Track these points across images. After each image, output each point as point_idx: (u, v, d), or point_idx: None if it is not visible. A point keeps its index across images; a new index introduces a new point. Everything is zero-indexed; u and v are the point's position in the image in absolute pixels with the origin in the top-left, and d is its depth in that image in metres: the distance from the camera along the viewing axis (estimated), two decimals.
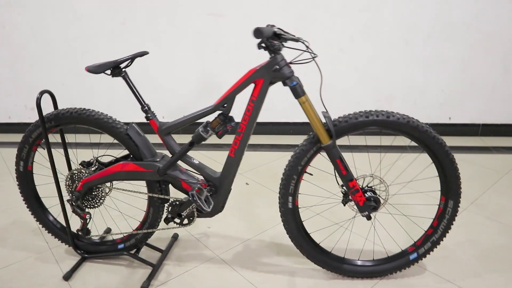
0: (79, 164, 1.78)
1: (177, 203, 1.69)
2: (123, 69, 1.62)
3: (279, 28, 1.48)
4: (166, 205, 1.75)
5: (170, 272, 1.81)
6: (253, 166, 2.85)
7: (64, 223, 1.85)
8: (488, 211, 2.20)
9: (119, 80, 3.22)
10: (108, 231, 2.09)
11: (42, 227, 1.92)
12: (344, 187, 1.60)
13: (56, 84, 3.49)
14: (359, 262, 1.72)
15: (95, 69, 1.59)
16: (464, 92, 3.18)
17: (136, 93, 1.64)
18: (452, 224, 1.62)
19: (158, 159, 1.67)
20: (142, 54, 1.60)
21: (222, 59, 3.29)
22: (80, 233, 1.83)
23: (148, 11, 3.22)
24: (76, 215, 1.79)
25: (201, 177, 1.70)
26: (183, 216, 1.71)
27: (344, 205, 1.67)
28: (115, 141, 1.68)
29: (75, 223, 1.89)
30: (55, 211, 1.96)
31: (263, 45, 1.46)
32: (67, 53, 3.39)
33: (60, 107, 1.70)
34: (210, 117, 1.61)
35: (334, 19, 3.06)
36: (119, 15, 3.23)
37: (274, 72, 1.50)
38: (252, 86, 1.54)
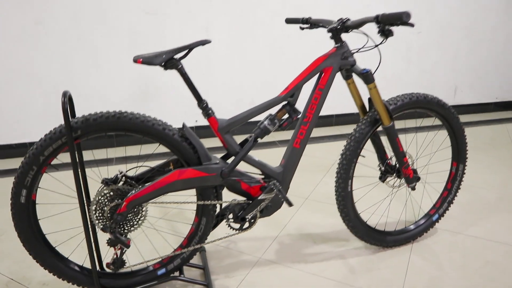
0: (102, 183, 1.44)
1: (245, 205, 1.54)
2: (179, 60, 1.38)
3: (348, 19, 1.52)
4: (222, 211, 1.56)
5: (225, 286, 1.62)
6: None
7: (76, 263, 1.46)
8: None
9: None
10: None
11: (51, 272, 1.46)
12: (396, 163, 1.75)
13: None
14: (397, 232, 1.89)
15: (151, 60, 1.32)
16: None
17: (194, 87, 1.42)
18: (461, 184, 1.95)
19: (217, 161, 1.48)
20: (203, 42, 1.39)
21: None
22: (111, 267, 1.47)
23: (70, 8, 2.71)
24: (111, 246, 1.43)
25: (258, 176, 1.59)
26: (247, 219, 1.56)
27: (383, 182, 1.82)
28: (111, 155, 1.42)
29: (79, 258, 1.50)
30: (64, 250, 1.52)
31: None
32: None
33: None
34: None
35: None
36: (32, 12, 2.63)
37: (342, 60, 1.53)
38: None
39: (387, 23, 1.31)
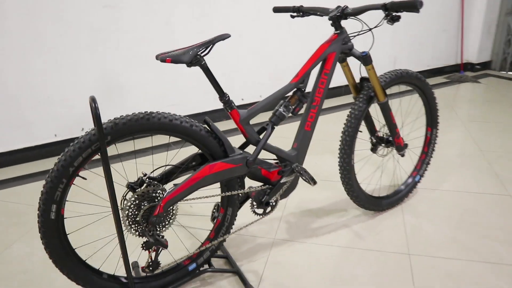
0: (127, 187, 1.41)
1: (267, 190, 1.60)
2: (203, 57, 1.38)
3: (346, 6, 1.62)
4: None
5: (253, 269, 1.69)
6: None
7: (106, 273, 1.43)
8: None
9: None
10: (135, 264, 1.70)
11: (83, 286, 1.41)
12: (384, 134, 1.92)
13: None
14: (389, 196, 2.09)
15: (179, 58, 1.30)
16: None
17: (217, 82, 1.43)
18: (435, 147, 2.19)
19: (240, 152, 1.52)
20: (224, 37, 1.40)
21: (124, 58, 2.88)
22: (148, 270, 1.46)
23: (23, 7, 2.47)
24: (146, 250, 1.42)
25: (273, 161, 1.66)
26: (271, 204, 1.63)
27: (374, 152, 1.99)
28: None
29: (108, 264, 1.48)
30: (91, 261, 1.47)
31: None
32: None
33: None
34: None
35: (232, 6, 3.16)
36: None
37: (343, 45, 1.64)
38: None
39: (397, 10, 1.43)
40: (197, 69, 3.16)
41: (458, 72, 4.66)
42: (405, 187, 2.14)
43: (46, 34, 2.62)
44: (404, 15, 4.06)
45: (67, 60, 2.73)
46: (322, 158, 2.70)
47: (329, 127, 3.22)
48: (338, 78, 2.63)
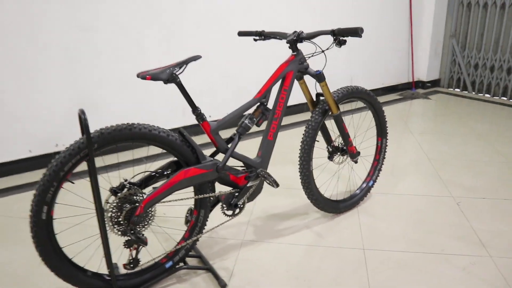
0: (110, 191, 1.57)
1: (235, 194, 1.79)
2: (177, 75, 1.57)
3: (302, 32, 1.86)
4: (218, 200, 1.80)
5: (225, 267, 1.87)
6: None
7: (90, 270, 1.57)
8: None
9: None
10: (115, 265, 1.83)
11: (71, 283, 1.54)
12: (339, 144, 2.16)
13: None
14: (346, 200, 2.32)
15: (157, 76, 1.49)
16: None
17: (189, 97, 1.63)
18: (385, 154, 2.46)
19: (211, 159, 1.71)
20: (195, 58, 1.60)
21: (97, 77, 3.03)
22: (129, 267, 1.61)
23: None
24: (128, 247, 1.57)
25: (240, 168, 1.85)
26: (239, 206, 1.82)
27: (331, 160, 2.23)
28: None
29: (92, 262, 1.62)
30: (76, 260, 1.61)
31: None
32: None
33: None
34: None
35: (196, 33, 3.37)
36: None
37: (300, 65, 1.88)
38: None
39: (343, 35, 1.69)
40: (165, 89, 3.35)
41: (410, 89, 5.06)
42: (360, 191, 2.38)
43: (22, 54, 2.74)
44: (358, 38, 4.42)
45: (42, 79, 2.85)
46: (285, 169, 2.92)
47: (292, 141, 3.46)
48: (299, 96, 2.85)
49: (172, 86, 3.35)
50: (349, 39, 4.36)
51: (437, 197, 2.47)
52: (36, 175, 2.89)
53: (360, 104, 4.23)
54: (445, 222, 2.21)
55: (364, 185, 2.41)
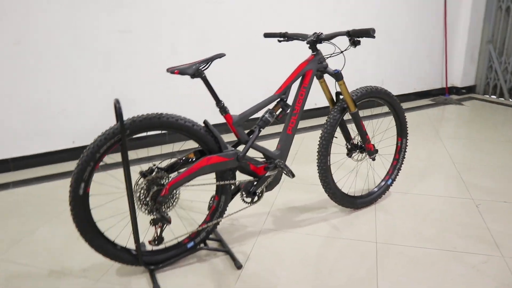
0: (139, 174, 1.75)
1: (254, 182, 1.93)
2: (203, 70, 1.74)
3: (321, 33, 1.99)
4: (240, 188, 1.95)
5: (242, 251, 2.00)
6: None
7: (119, 244, 1.75)
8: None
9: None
10: (141, 244, 2.01)
11: (102, 254, 1.73)
12: (358, 142, 2.25)
13: None
14: (363, 196, 2.40)
15: (185, 71, 1.66)
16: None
17: (214, 91, 1.78)
18: (405, 154, 2.51)
19: (232, 149, 1.86)
20: (220, 56, 1.76)
21: (133, 76, 3.27)
22: (153, 243, 1.77)
23: (47, 30, 2.88)
24: (153, 225, 1.74)
25: (261, 159, 1.99)
26: (257, 194, 1.95)
27: (350, 157, 2.32)
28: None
29: (121, 238, 1.80)
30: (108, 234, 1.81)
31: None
32: None
33: None
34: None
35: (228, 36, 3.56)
36: (10, 34, 2.77)
37: (318, 64, 1.99)
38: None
39: (357, 36, 1.79)
40: (194, 89, 3.54)
41: (443, 95, 5.02)
42: (378, 189, 2.45)
43: (66, 55, 3.02)
44: (389, 41, 4.45)
45: (84, 78, 3.12)
46: (308, 167, 3.02)
47: (316, 142, 3.54)
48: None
49: (202, 88, 3.54)
50: (380, 43, 4.40)
51: (457, 198, 2.49)
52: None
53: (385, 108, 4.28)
54: (461, 222, 2.24)
55: (383, 183, 2.47)
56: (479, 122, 4.05)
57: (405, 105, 4.72)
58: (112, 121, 3.30)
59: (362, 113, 4.43)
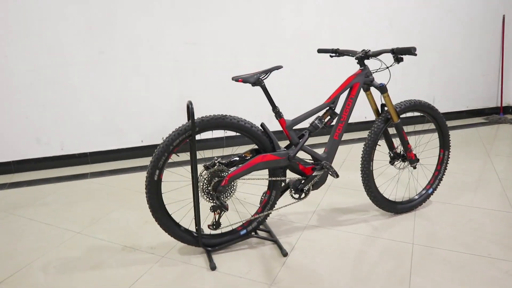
0: (203, 166, 2.04)
1: (302, 180, 2.17)
2: (263, 80, 2.02)
3: (369, 50, 2.21)
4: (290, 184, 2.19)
5: (288, 242, 2.24)
6: None
7: (183, 226, 2.06)
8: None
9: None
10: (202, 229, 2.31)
11: (168, 233, 2.04)
12: (401, 151, 2.42)
13: (20, 116, 3.20)
14: (404, 202, 2.55)
15: (248, 80, 1.95)
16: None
17: (271, 98, 2.06)
18: (447, 165, 2.63)
19: (284, 149, 2.11)
20: (278, 67, 2.04)
21: (198, 83, 3.65)
22: (212, 228, 2.06)
23: (127, 40, 3.34)
24: (213, 211, 2.03)
25: (309, 160, 2.22)
26: (305, 191, 2.19)
27: (392, 165, 2.49)
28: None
29: (185, 221, 2.10)
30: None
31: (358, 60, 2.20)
32: (32, 83, 3.16)
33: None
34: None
35: (286, 47, 3.86)
36: (96, 44, 3.26)
37: (365, 78, 2.21)
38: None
39: (400, 54, 2.00)
40: (254, 98, 3.85)
41: (497, 114, 4.97)
42: (419, 197, 2.59)
43: (141, 63, 3.45)
44: (443, 59, 4.53)
45: (155, 83, 3.53)
46: (354, 175, 3.20)
47: None
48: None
49: (260, 96, 3.84)
50: (434, 61, 4.50)
51: (497, 211, 2.57)
52: (146, 161, 3.56)
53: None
54: (499, 232, 2.32)
55: (424, 191, 2.61)
56: None
57: (456, 123, 4.75)
58: (177, 124, 3.68)
59: (406, 128, 4.53)
